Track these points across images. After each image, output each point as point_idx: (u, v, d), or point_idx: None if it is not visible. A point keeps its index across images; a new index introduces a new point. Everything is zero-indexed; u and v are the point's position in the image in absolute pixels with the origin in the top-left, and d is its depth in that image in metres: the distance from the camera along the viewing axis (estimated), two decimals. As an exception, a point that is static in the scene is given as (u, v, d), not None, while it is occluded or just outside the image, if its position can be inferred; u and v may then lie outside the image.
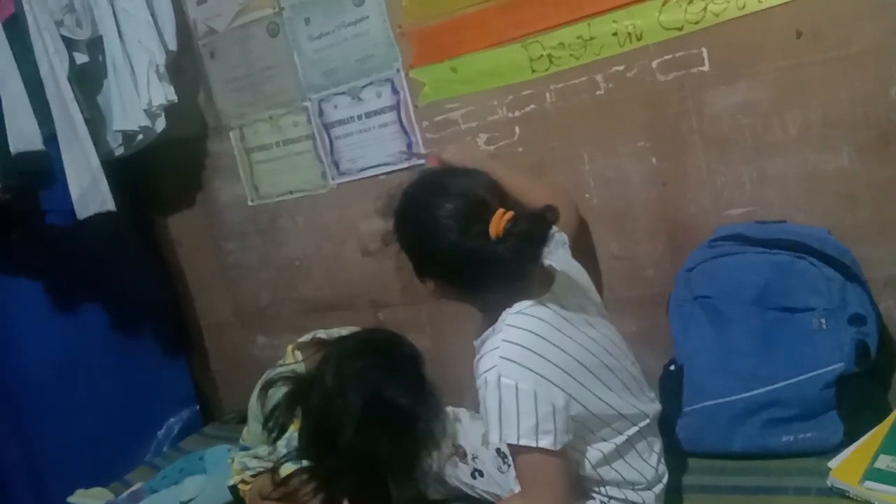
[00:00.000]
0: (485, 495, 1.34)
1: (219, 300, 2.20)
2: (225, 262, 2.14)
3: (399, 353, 1.36)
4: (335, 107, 1.80)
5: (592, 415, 1.08)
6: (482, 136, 1.62)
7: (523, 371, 1.02)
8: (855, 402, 1.23)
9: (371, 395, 1.27)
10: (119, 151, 1.87)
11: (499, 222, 1.01)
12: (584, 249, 1.45)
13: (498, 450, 1.33)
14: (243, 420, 1.65)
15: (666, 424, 1.26)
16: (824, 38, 1.27)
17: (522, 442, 1.01)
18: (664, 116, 1.43)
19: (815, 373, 1.22)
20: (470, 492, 1.36)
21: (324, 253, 1.95)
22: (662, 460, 1.19)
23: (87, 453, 1.93)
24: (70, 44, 1.71)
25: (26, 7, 1.64)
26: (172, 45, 1.83)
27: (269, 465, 1.42)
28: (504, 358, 1.03)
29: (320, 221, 1.93)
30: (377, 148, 1.77)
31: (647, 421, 1.16)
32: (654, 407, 1.20)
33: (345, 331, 1.54)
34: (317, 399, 1.33)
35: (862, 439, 1.18)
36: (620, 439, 1.12)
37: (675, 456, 1.27)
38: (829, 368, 1.22)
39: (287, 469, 1.36)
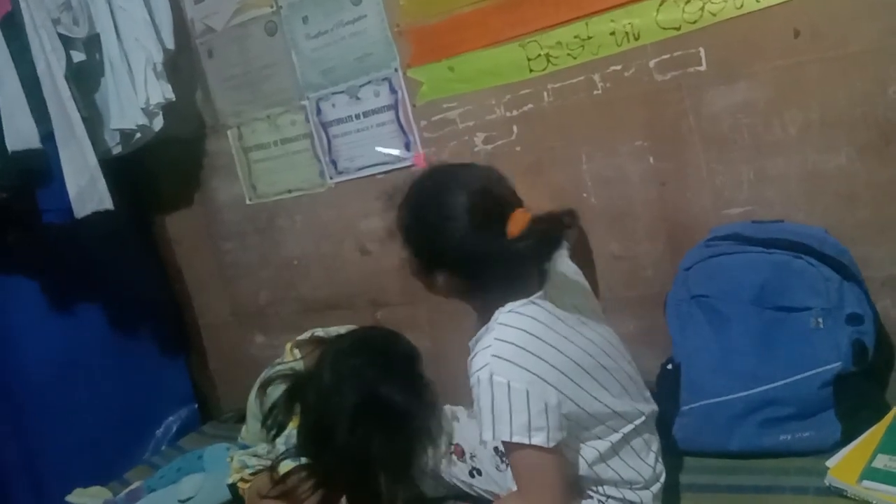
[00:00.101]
0: (483, 494, 1.34)
1: (217, 299, 2.20)
2: (223, 261, 2.14)
3: (396, 352, 1.36)
4: (333, 106, 1.80)
5: (587, 413, 1.08)
6: (480, 136, 1.62)
7: (515, 369, 1.02)
8: (852, 402, 1.23)
9: (366, 392, 1.27)
10: (117, 150, 1.86)
11: (520, 221, 1.02)
12: (581, 252, 1.45)
13: (496, 448, 1.33)
14: (242, 419, 1.65)
15: (663, 424, 1.26)
16: (822, 37, 1.27)
17: (515, 439, 1.01)
18: (662, 116, 1.43)
19: (812, 372, 1.22)
20: (468, 490, 1.36)
21: (322, 252, 1.95)
22: (660, 459, 1.19)
23: (86, 452, 1.93)
24: (67, 42, 1.70)
25: (23, 5, 1.64)
26: (170, 44, 1.83)
27: (269, 463, 1.42)
28: (496, 356, 1.03)
29: (318, 220, 1.93)
30: (375, 147, 1.76)
31: (643, 418, 1.16)
32: (651, 406, 1.20)
33: (343, 329, 1.54)
34: (313, 396, 1.33)
35: (860, 438, 1.18)
36: (616, 437, 1.12)
37: (673, 455, 1.27)
38: (826, 368, 1.22)
39: (286, 466, 1.36)
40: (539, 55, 1.50)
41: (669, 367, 1.36)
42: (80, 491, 1.79)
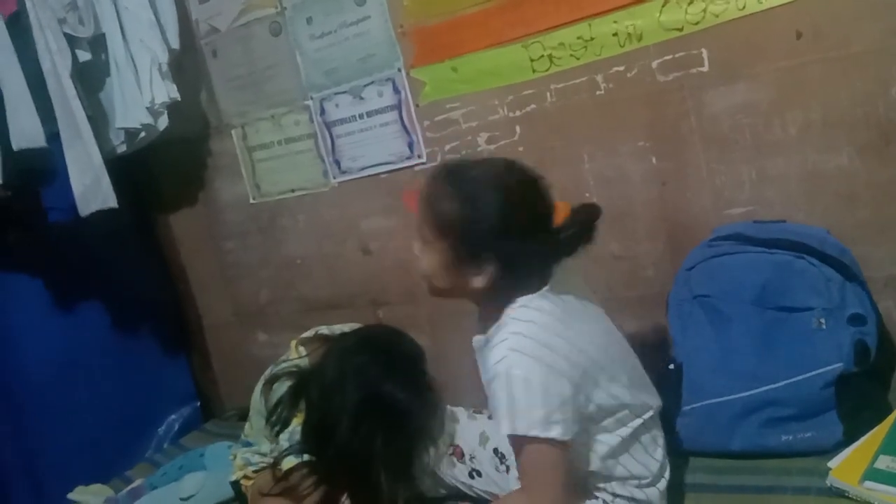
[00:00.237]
0: (483, 495, 1.34)
1: (219, 299, 2.21)
2: (225, 260, 2.15)
3: (400, 351, 1.36)
4: (337, 106, 1.81)
5: (599, 406, 1.08)
6: (483, 136, 1.63)
7: (532, 362, 1.02)
8: (854, 402, 1.22)
9: (370, 390, 1.27)
10: (121, 149, 1.87)
11: (562, 211, 1.06)
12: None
13: (495, 450, 1.33)
14: (243, 417, 1.65)
15: (665, 423, 1.25)
16: (824, 38, 1.27)
17: (532, 433, 1.01)
18: (664, 116, 1.43)
19: (814, 372, 1.22)
20: (468, 491, 1.36)
21: (324, 252, 1.96)
22: (666, 455, 1.19)
23: (88, 451, 1.94)
24: (72, 41, 1.71)
25: (28, 4, 1.65)
26: (175, 44, 1.84)
27: (272, 460, 1.42)
28: (513, 349, 1.03)
29: (321, 220, 1.93)
30: (378, 147, 1.77)
31: (651, 413, 1.16)
32: (657, 400, 1.20)
33: (347, 327, 1.55)
34: (317, 393, 1.33)
35: (862, 439, 1.17)
36: (626, 431, 1.12)
37: (674, 455, 1.27)
38: (828, 368, 1.22)
39: (289, 463, 1.36)
40: (542, 56, 1.50)
41: (671, 367, 1.36)
42: (82, 489, 1.79)
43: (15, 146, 1.64)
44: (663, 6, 1.37)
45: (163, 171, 2.16)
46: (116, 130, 1.84)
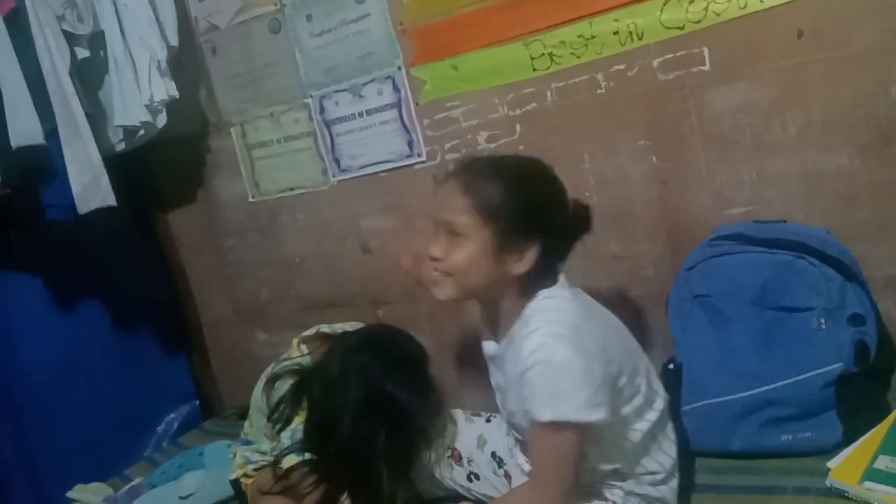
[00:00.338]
0: (482, 498, 1.34)
1: (219, 297, 2.20)
2: (225, 259, 2.15)
3: (402, 350, 1.36)
4: (336, 104, 1.80)
5: (624, 396, 1.09)
6: (483, 134, 1.62)
7: (570, 347, 1.03)
8: (854, 402, 1.22)
9: (372, 388, 1.28)
10: (120, 147, 1.86)
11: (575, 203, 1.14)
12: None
13: (493, 453, 1.33)
14: (243, 416, 1.65)
15: (665, 423, 1.26)
16: (825, 37, 1.27)
17: (578, 417, 1.01)
18: (665, 115, 1.43)
19: (814, 372, 1.22)
20: (467, 494, 1.36)
21: (324, 250, 1.95)
22: (678, 451, 1.19)
23: (87, 450, 1.93)
24: (71, 39, 1.70)
25: (27, 2, 1.63)
26: (174, 41, 1.83)
27: (272, 459, 1.42)
28: (549, 336, 1.04)
29: (321, 218, 1.93)
30: (378, 145, 1.77)
31: (664, 406, 1.17)
32: (665, 395, 1.20)
33: (349, 326, 1.55)
34: (320, 391, 1.34)
35: (861, 439, 1.18)
36: (645, 425, 1.13)
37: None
38: (828, 368, 1.22)
39: (289, 461, 1.36)
40: (542, 54, 1.50)
41: (671, 366, 1.36)
42: (81, 487, 1.79)
43: (14, 144, 1.63)
44: (664, 4, 1.36)
45: (162, 170, 2.15)
46: (115, 128, 1.84)
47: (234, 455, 1.55)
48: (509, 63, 1.54)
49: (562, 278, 1.14)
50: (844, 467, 1.13)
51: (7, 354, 1.89)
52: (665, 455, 1.16)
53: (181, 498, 1.61)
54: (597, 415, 1.02)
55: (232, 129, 2.00)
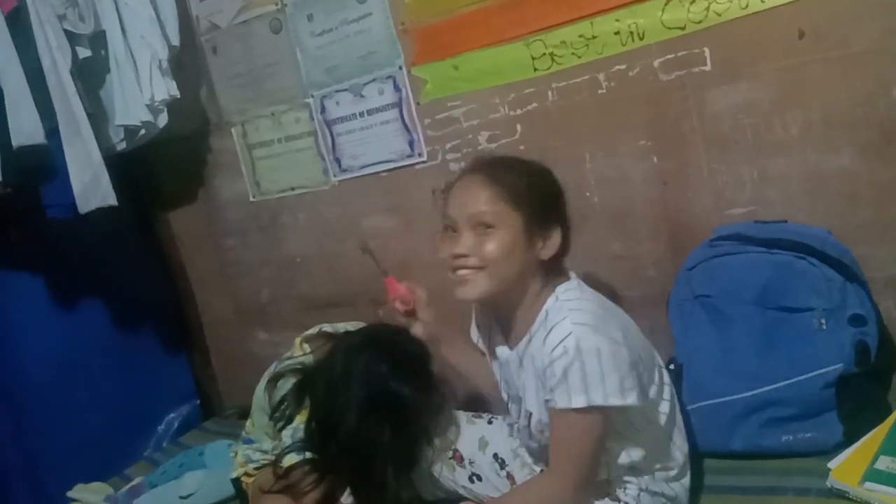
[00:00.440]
0: (484, 499, 1.33)
1: (219, 296, 2.21)
2: (226, 258, 2.15)
3: (406, 348, 1.36)
4: (337, 104, 1.80)
5: (643, 386, 1.09)
6: (484, 134, 1.62)
7: (598, 333, 1.04)
8: (855, 403, 1.22)
9: (375, 385, 1.28)
10: (121, 146, 1.87)
11: None
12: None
13: (495, 455, 1.33)
14: (243, 416, 1.65)
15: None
16: (826, 37, 1.27)
17: (610, 402, 1.01)
18: (666, 116, 1.43)
19: (815, 373, 1.22)
20: (469, 495, 1.35)
21: (325, 250, 1.95)
22: (689, 446, 1.20)
23: (88, 449, 1.93)
24: (72, 38, 1.71)
25: (29, 0, 1.64)
26: (175, 41, 1.84)
27: (273, 458, 1.42)
28: (577, 324, 1.04)
29: (321, 218, 1.93)
30: (379, 145, 1.77)
31: (674, 399, 1.17)
32: (673, 387, 1.21)
33: (350, 326, 1.55)
34: (323, 388, 1.34)
35: (862, 440, 1.17)
36: (662, 419, 1.14)
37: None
38: (829, 369, 1.22)
39: (290, 460, 1.36)
40: (543, 54, 1.50)
41: (671, 367, 1.36)
42: (82, 486, 1.80)
43: (14, 143, 1.64)
44: (666, 4, 1.36)
45: (162, 169, 2.15)
46: (116, 128, 1.84)
47: (236, 454, 1.55)
48: (510, 63, 1.54)
49: (573, 274, 1.16)
50: (845, 468, 1.13)
51: (7, 354, 1.90)
52: (678, 449, 1.17)
53: (181, 497, 1.62)
54: (629, 398, 1.03)
55: (233, 129, 2.00)
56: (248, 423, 1.59)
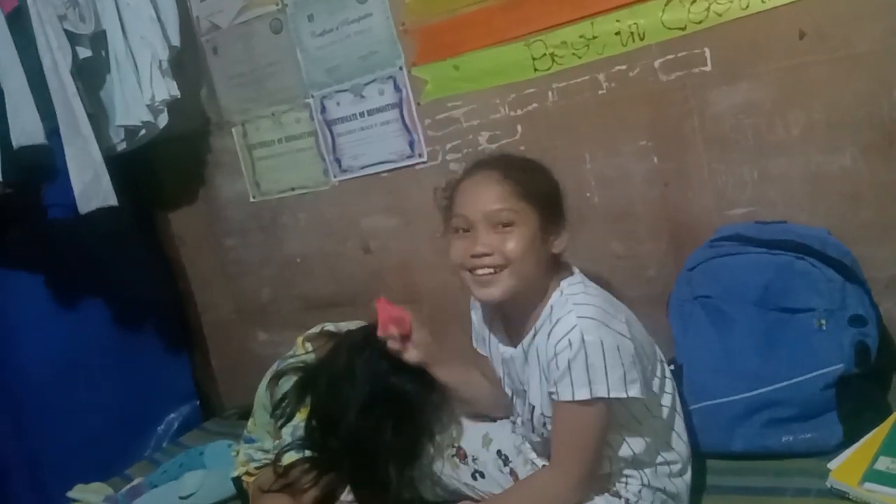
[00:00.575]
0: (486, 497, 1.34)
1: (220, 296, 2.21)
2: (226, 258, 2.15)
3: None
4: (338, 104, 1.80)
5: (646, 380, 1.09)
6: (484, 135, 1.62)
7: (602, 326, 1.04)
8: (855, 404, 1.22)
9: (378, 382, 1.28)
10: (121, 146, 1.87)
11: None
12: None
13: (499, 451, 1.33)
14: (244, 416, 1.65)
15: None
16: (828, 38, 1.27)
17: (613, 394, 1.02)
18: (666, 116, 1.43)
19: (815, 373, 1.22)
20: (471, 493, 1.35)
21: (325, 250, 1.96)
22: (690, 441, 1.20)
23: (88, 449, 1.94)
24: (73, 38, 1.71)
25: (29, 0, 1.64)
26: (175, 41, 1.84)
27: (274, 457, 1.42)
28: (581, 317, 1.05)
29: (322, 218, 1.93)
30: (379, 145, 1.77)
31: (675, 393, 1.18)
32: (674, 381, 1.21)
33: (353, 325, 1.55)
34: (325, 384, 1.34)
35: (862, 440, 1.17)
36: (664, 412, 1.14)
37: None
38: (829, 369, 1.21)
39: (289, 458, 1.36)
40: (544, 54, 1.50)
41: (672, 367, 1.36)
42: (82, 487, 1.79)
43: (15, 144, 1.64)
44: (666, 5, 1.36)
45: (163, 169, 2.15)
46: (117, 128, 1.84)
47: (237, 452, 1.55)
48: (511, 63, 1.54)
49: (576, 269, 1.17)
50: (845, 468, 1.13)
51: (8, 354, 1.90)
52: (681, 442, 1.17)
53: (182, 498, 1.61)
54: (632, 391, 1.03)
55: (233, 129, 2.00)
56: (249, 422, 1.59)
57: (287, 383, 1.45)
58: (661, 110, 1.43)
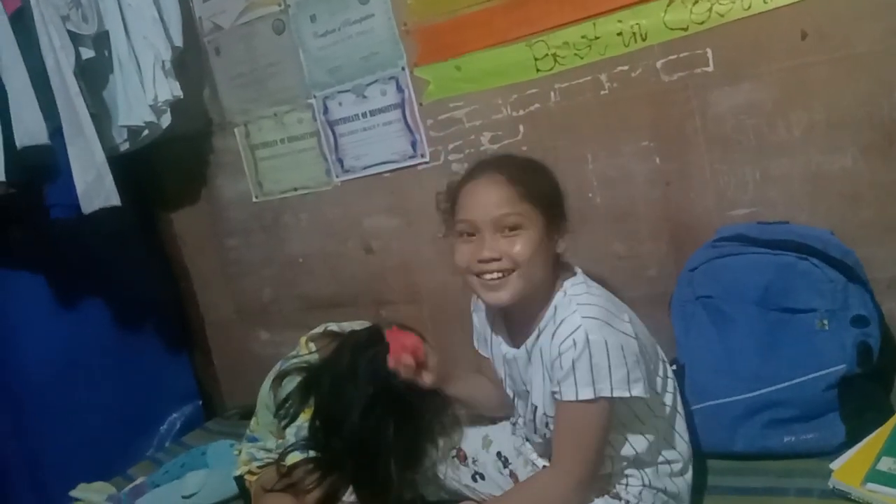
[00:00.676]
0: (486, 498, 1.34)
1: (222, 296, 2.21)
2: (228, 258, 2.15)
3: None
4: (340, 104, 1.81)
5: (649, 379, 1.09)
6: (486, 135, 1.62)
7: (606, 327, 1.05)
8: (857, 404, 1.22)
9: (381, 381, 1.28)
10: (124, 147, 1.87)
11: None
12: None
13: (499, 453, 1.33)
14: (245, 416, 1.65)
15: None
16: (829, 38, 1.27)
17: (616, 393, 1.02)
18: (668, 116, 1.43)
19: (817, 374, 1.22)
20: (472, 494, 1.35)
21: (327, 250, 1.96)
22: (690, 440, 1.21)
23: (90, 449, 1.94)
24: (76, 38, 1.71)
25: (32, 1, 1.64)
26: (178, 41, 1.84)
27: (277, 456, 1.42)
28: (585, 317, 1.05)
29: (324, 219, 1.93)
30: (381, 146, 1.77)
31: (677, 391, 1.18)
32: (675, 379, 1.21)
33: (356, 325, 1.56)
34: (329, 383, 1.34)
35: (864, 441, 1.17)
36: (666, 410, 1.14)
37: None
38: (831, 370, 1.21)
39: (293, 458, 1.36)
40: (546, 55, 1.50)
41: (673, 367, 1.36)
42: (84, 486, 1.80)
43: (18, 143, 1.64)
44: (668, 5, 1.36)
45: (165, 169, 2.16)
46: (119, 128, 1.84)
47: (240, 452, 1.55)
48: (513, 64, 1.54)
49: (578, 269, 1.17)
50: (847, 469, 1.13)
51: (9, 354, 1.90)
52: (683, 441, 1.17)
53: (184, 497, 1.62)
54: (636, 390, 1.04)
55: (235, 129, 2.00)
56: (252, 421, 1.60)
57: (290, 383, 1.45)
58: (663, 111, 1.43)
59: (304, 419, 1.40)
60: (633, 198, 1.50)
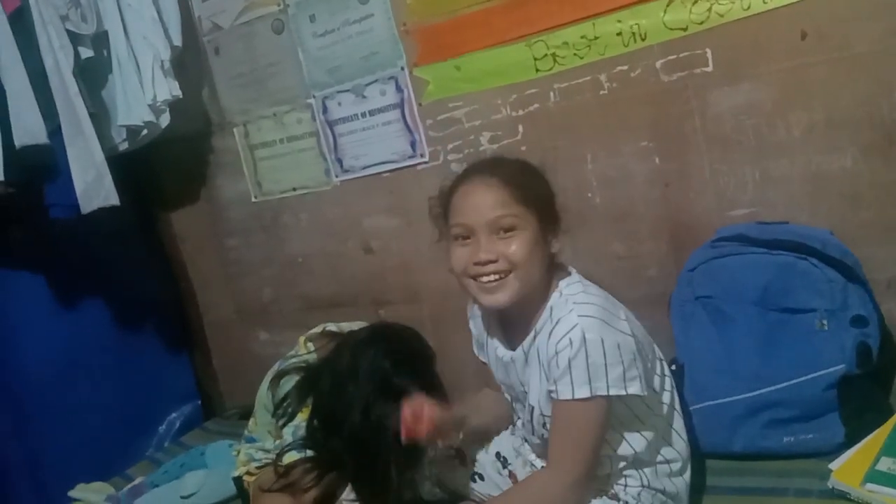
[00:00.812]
0: (485, 499, 1.33)
1: (221, 296, 2.21)
2: (228, 258, 2.15)
3: (411, 346, 1.37)
4: (339, 104, 1.81)
5: (647, 378, 1.09)
6: (486, 135, 1.62)
7: (603, 324, 1.05)
8: (856, 404, 1.22)
9: (381, 380, 1.28)
10: (123, 146, 1.87)
11: None
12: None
13: (497, 454, 1.33)
14: (245, 416, 1.65)
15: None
16: (828, 38, 1.27)
17: (613, 391, 1.02)
18: (668, 116, 1.43)
19: (816, 374, 1.22)
20: (470, 494, 1.35)
21: (326, 250, 1.96)
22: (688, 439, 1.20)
23: (89, 449, 1.94)
24: (75, 38, 1.71)
25: (31, 1, 1.64)
26: (177, 41, 1.84)
27: (275, 456, 1.42)
28: (582, 316, 1.05)
29: (323, 218, 1.93)
30: (381, 146, 1.77)
31: (674, 389, 1.18)
32: (672, 378, 1.21)
33: (355, 325, 1.56)
34: (328, 383, 1.34)
35: (863, 441, 1.17)
36: (664, 409, 1.14)
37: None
38: (830, 370, 1.22)
39: (290, 457, 1.36)
40: (545, 55, 1.50)
41: (673, 367, 1.36)
42: (83, 486, 1.80)
43: (17, 143, 1.64)
44: (668, 5, 1.36)
45: (165, 169, 2.16)
46: (118, 128, 1.84)
47: (238, 452, 1.55)
48: (512, 64, 1.54)
49: (572, 269, 1.17)
50: (846, 469, 1.13)
51: (9, 354, 1.90)
52: (681, 441, 1.17)
53: (183, 497, 1.62)
54: (632, 388, 1.04)
55: (235, 129, 2.00)
56: (250, 421, 1.60)
57: (289, 383, 1.45)
58: (663, 111, 1.43)
59: (301, 419, 1.40)
60: (632, 198, 1.50)
